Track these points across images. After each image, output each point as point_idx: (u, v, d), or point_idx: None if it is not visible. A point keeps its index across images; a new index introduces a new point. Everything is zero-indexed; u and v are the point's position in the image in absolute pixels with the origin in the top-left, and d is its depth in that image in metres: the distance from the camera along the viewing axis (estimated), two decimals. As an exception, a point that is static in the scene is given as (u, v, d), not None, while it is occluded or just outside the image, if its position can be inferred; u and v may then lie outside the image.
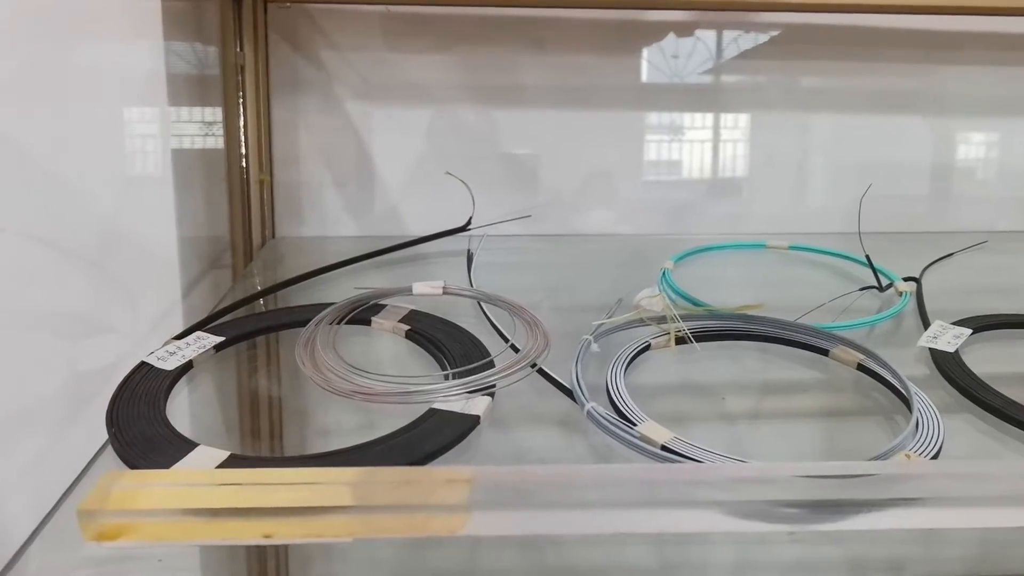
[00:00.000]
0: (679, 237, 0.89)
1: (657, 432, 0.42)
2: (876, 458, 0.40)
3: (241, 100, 0.78)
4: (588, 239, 0.94)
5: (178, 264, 0.71)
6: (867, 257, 0.66)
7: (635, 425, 0.43)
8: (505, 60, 0.87)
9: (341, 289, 0.66)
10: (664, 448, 0.41)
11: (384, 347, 0.57)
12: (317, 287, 0.69)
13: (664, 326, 0.57)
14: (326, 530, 0.35)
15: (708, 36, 0.91)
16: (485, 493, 0.36)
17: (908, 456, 0.41)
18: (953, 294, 0.72)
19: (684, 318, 0.58)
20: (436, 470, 0.38)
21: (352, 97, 0.86)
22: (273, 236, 0.86)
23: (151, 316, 0.65)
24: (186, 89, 0.73)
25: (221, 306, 0.62)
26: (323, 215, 0.88)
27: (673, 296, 0.66)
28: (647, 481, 0.36)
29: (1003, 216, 0.98)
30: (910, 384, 0.48)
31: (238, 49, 0.77)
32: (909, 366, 0.55)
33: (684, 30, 0.90)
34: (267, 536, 0.35)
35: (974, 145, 0.97)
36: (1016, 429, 0.46)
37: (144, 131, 0.67)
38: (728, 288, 0.74)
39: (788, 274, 0.79)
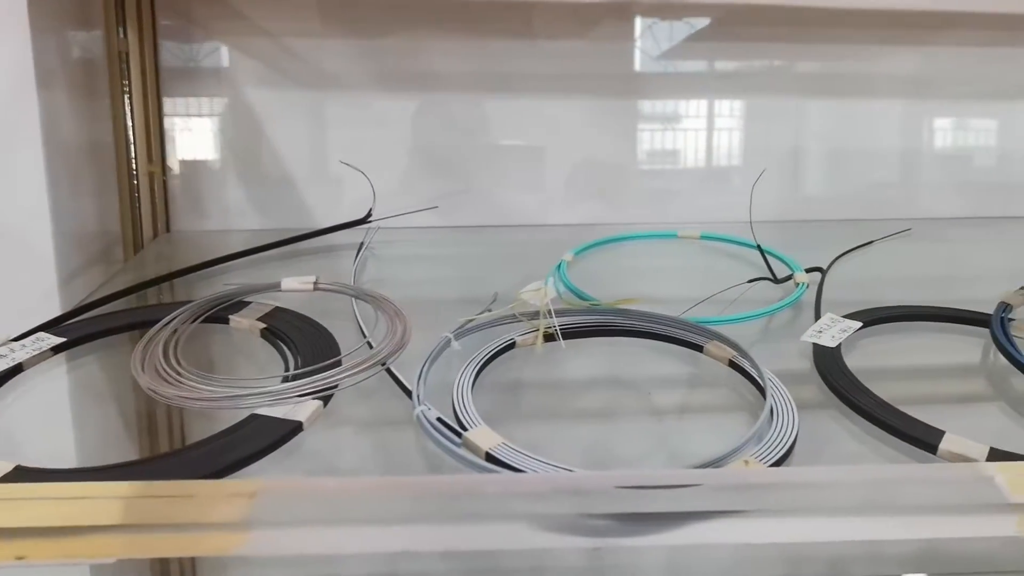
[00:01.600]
0: (608, 226, 0.86)
1: (485, 438, 0.40)
2: (711, 464, 0.38)
3: (126, 88, 0.74)
4: (514, 230, 0.91)
5: (53, 259, 0.67)
6: (759, 247, 0.63)
7: (465, 430, 0.40)
8: (414, 43, 0.84)
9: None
10: (488, 456, 0.38)
11: (236, 347, 0.54)
12: (202, 282, 0.66)
13: (535, 322, 0.54)
14: (86, 550, 0.32)
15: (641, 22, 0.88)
16: (270, 508, 0.33)
17: (747, 463, 0.38)
18: (864, 284, 0.70)
19: (564, 313, 0.55)
20: (219, 484, 0.36)
21: (255, 84, 0.83)
22: (167, 230, 0.82)
23: (16, 312, 0.62)
24: (65, 78, 0.69)
25: (86, 302, 0.59)
26: (225, 208, 0.85)
27: (562, 290, 0.63)
28: (438, 493, 0.33)
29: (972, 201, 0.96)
30: (770, 382, 0.45)
31: (120, 35, 0.73)
32: (791, 361, 0.52)
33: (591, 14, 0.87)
34: (20, 558, 0.32)
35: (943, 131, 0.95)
36: (882, 431, 0.43)
37: (8, 122, 0.64)
38: (628, 280, 0.71)
39: (697, 264, 0.76)
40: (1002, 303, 0.57)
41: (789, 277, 0.64)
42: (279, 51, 0.83)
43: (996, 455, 0.39)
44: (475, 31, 0.84)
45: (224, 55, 0.82)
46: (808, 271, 0.66)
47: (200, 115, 0.82)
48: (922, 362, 0.55)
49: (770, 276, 0.62)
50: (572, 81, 0.87)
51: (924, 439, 0.41)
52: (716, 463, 0.38)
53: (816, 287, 0.63)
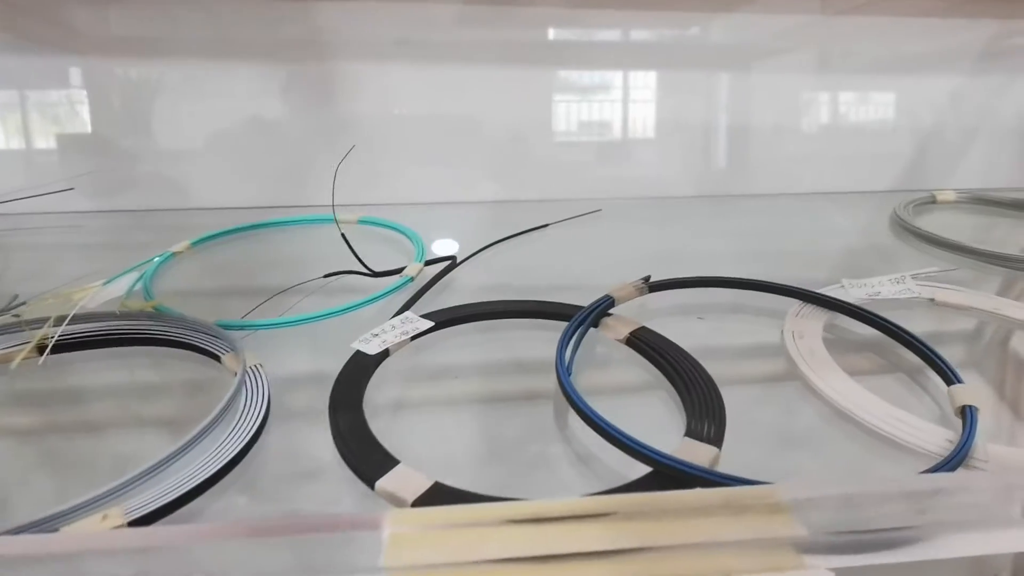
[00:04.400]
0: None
1: None
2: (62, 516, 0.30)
3: None
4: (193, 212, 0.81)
5: None
6: (343, 237, 0.56)
7: None
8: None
9: None
10: None
11: None
12: None
13: (39, 330, 0.45)
14: None
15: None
16: None
17: (105, 517, 0.31)
18: (516, 272, 0.64)
19: (93, 319, 0.47)
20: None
21: None
22: None
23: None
24: None
25: None
26: None
27: (137, 288, 0.55)
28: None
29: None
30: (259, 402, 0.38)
31: None
32: (321, 371, 0.45)
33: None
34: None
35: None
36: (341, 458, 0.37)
37: None
38: (243, 274, 0.63)
39: (341, 252, 0.69)
40: (607, 296, 0.52)
41: (399, 270, 0.57)
42: None
43: (439, 493, 0.33)
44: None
45: None
46: (435, 261, 0.60)
47: None
48: (477, 370, 0.49)
49: (365, 270, 0.55)
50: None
51: (367, 471, 0.35)
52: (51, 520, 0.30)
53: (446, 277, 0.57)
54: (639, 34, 0.84)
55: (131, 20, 0.74)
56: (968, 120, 0.93)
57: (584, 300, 0.51)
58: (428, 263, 0.59)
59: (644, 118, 0.86)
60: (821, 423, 0.41)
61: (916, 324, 0.49)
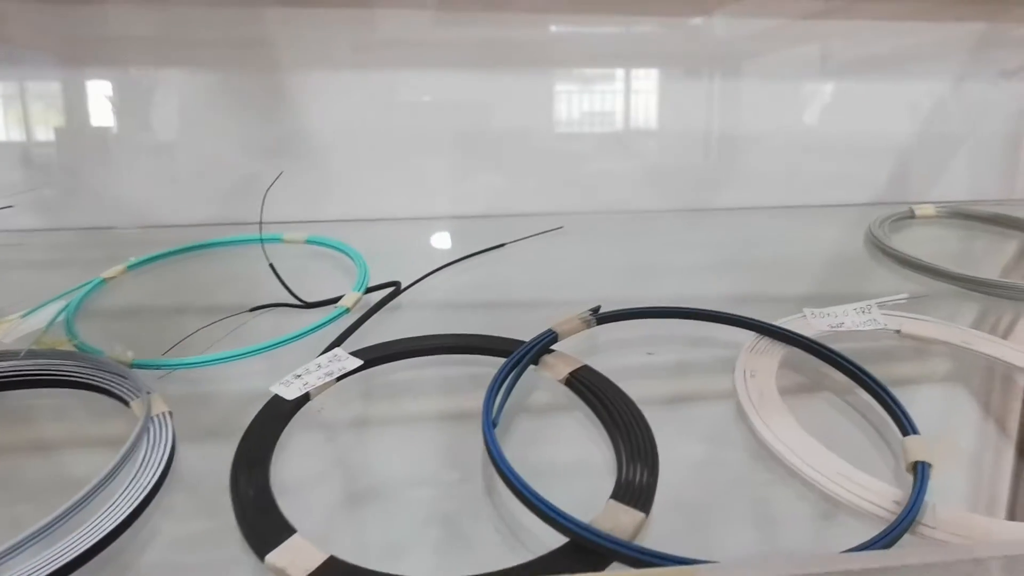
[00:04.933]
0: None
1: None
2: None
3: None
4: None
5: None
6: (271, 267, 0.53)
7: None
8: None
9: None
10: None
11: None
12: None
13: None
14: None
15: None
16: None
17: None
18: (466, 297, 0.61)
19: (3, 356, 0.44)
20: None
21: None
22: None
23: None
24: None
25: None
26: None
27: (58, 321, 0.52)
28: None
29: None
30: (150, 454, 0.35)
31: None
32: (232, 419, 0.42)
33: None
34: None
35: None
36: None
37: None
38: (182, 300, 0.60)
39: (287, 273, 0.66)
40: (549, 331, 0.49)
41: (336, 299, 0.54)
42: None
43: (333, 569, 0.31)
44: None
45: None
46: (377, 288, 0.57)
47: None
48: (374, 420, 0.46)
49: (296, 301, 0.53)
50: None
51: (259, 541, 0.32)
52: None
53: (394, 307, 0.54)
54: (603, 40, 0.81)
55: (68, 23, 0.71)
56: (953, 128, 0.90)
57: (540, 326, 0.48)
58: (370, 290, 0.56)
59: (612, 130, 0.82)
60: (763, 479, 0.38)
61: (879, 360, 0.46)
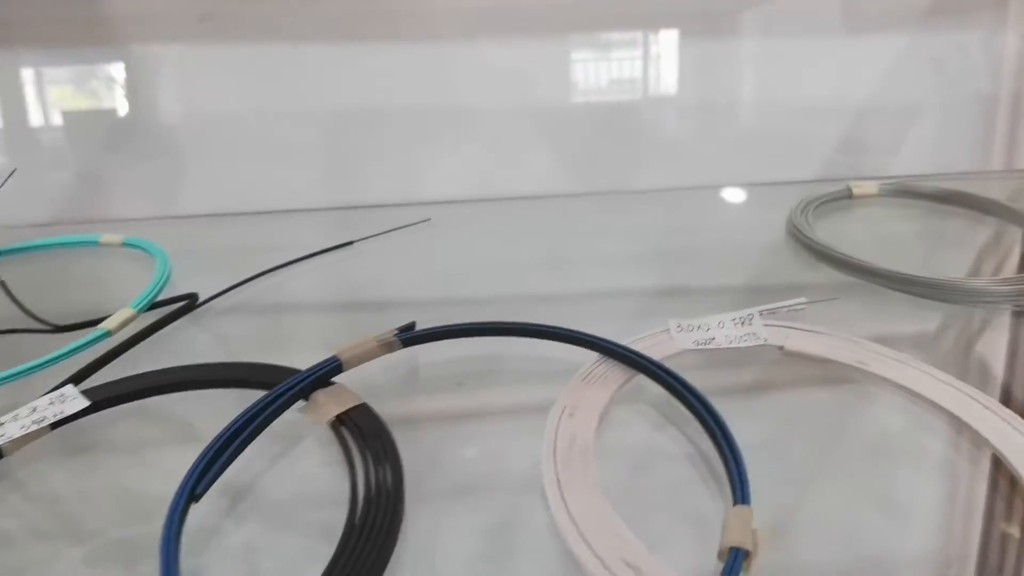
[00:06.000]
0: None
1: None
2: None
3: None
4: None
5: None
6: (2, 284, 0.44)
7: None
8: None
9: None
10: None
11: None
12: None
13: None
14: None
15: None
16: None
17: None
18: (288, 310, 0.52)
19: None
20: None
21: None
22: None
23: None
24: None
25: None
26: None
27: None
28: None
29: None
30: None
31: None
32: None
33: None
34: None
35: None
36: None
37: None
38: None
39: (97, 282, 0.57)
40: (333, 359, 0.39)
41: (98, 320, 0.45)
42: None
43: None
44: None
45: None
46: (167, 302, 0.48)
47: None
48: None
49: (41, 324, 0.43)
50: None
51: None
52: None
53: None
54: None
55: None
56: (915, 92, 0.78)
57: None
58: (158, 304, 0.47)
59: (510, 102, 0.72)
60: (524, 569, 0.29)
61: (749, 388, 0.37)
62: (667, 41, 0.74)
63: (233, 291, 0.52)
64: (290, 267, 0.56)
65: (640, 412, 0.37)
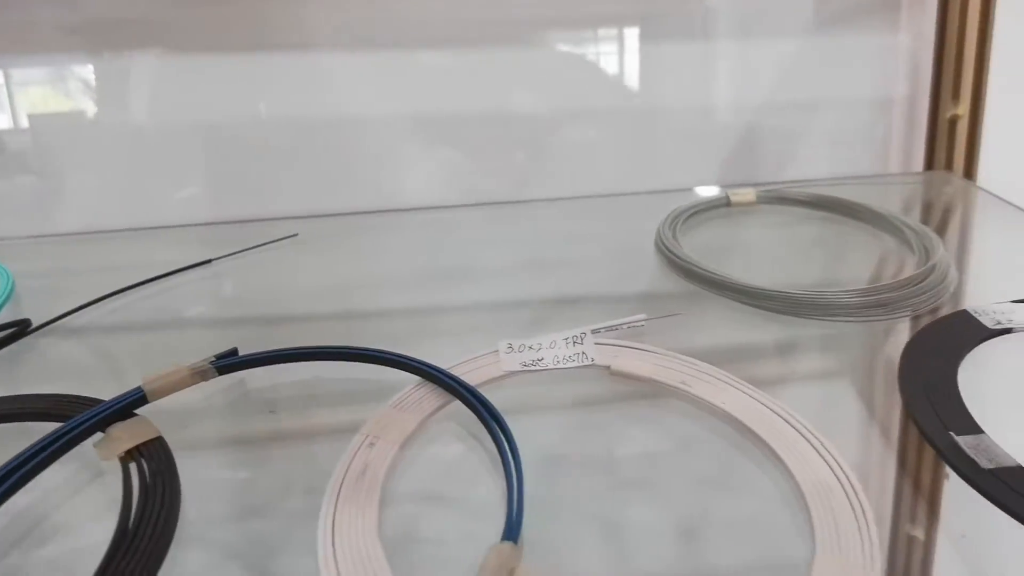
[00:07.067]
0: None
1: None
2: None
3: None
4: None
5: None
6: None
7: None
8: None
9: None
10: None
11: None
12: None
13: None
14: None
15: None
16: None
17: None
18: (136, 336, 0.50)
19: None
20: None
21: None
22: None
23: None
24: None
25: None
26: None
27: None
28: None
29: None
30: None
31: None
32: None
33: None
34: None
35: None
36: None
37: None
38: None
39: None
40: (137, 389, 0.38)
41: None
42: None
43: None
44: None
45: None
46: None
47: None
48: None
49: None
50: None
51: None
52: None
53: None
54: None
55: None
56: (811, 95, 0.78)
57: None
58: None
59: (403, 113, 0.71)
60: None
61: (572, 414, 0.36)
62: (562, 48, 0.74)
63: (84, 311, 0.51)
64: (149, 285, 0.55)
65: (447, 442, 0.37)
